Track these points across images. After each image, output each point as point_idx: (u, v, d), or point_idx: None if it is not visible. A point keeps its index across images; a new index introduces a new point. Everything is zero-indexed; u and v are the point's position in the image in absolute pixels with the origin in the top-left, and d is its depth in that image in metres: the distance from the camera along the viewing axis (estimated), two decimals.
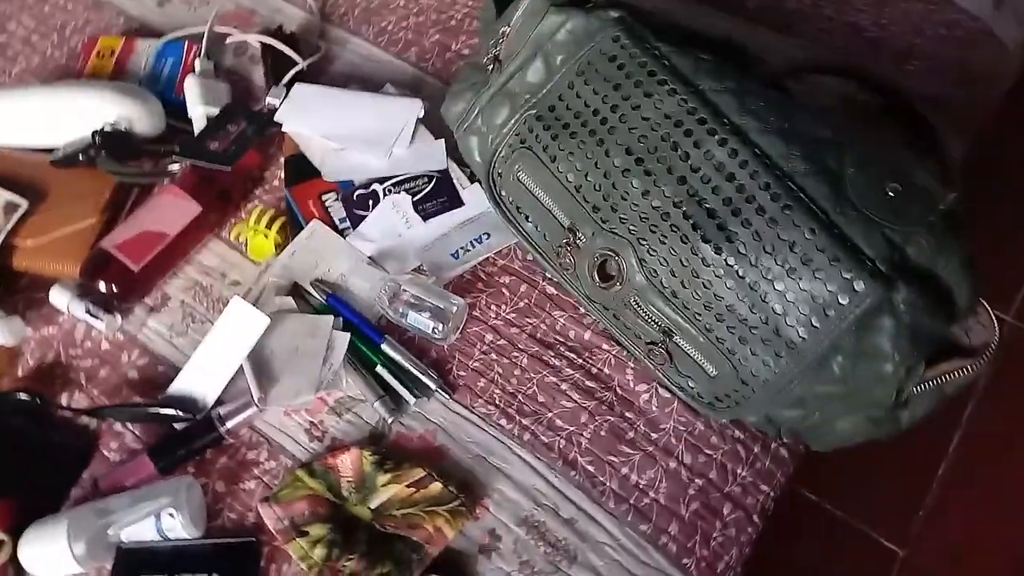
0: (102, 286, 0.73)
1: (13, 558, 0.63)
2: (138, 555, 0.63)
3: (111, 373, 0.74)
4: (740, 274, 0.62)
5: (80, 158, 0.79)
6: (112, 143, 0.79)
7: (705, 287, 0.63)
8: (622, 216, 0.66)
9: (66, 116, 0.81)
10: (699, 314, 0.64)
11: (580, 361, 0.74)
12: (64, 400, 0.72)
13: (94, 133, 0.79)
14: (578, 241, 0.69)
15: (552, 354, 0.74)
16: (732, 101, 0.64)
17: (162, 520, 0.63)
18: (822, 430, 0.70)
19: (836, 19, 0.95)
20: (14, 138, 0.82)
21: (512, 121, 0.73)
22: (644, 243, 0.65)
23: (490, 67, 0.76)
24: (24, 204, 0.77)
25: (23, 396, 0.70)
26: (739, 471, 0.70)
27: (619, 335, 0.72)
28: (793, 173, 0.61)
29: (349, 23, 0.95)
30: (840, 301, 0.60)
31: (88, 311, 0.73)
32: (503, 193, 0.75)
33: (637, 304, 0.67)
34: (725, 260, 0.62)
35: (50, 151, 0.82)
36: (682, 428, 0.71)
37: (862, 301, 0.59)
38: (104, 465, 0.69)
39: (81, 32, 0.96)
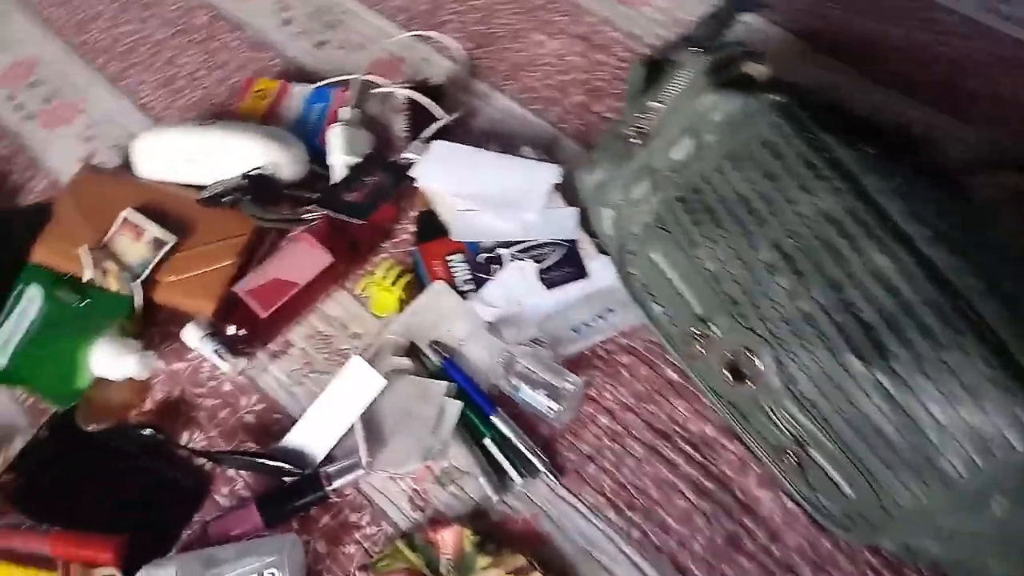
0: (230, 329, 0.75)
1: None
2: None
3: (230, 415, 0.75)
4: (892, 394, 0.56)
5: (226, 199, 0.82)
6: (258, 187, 0.82)
7: (849, 402, 0.57)
8: (763, 314, 0.61)
9: (220, 157, 0.84)
10: (839, 429, 0.59)
11: (699, 458, 0.69)
12: (184, 438, 0.74)
13: (244, 175, 0.82)
14: (710, 333, 0.65)
15: (669, 446, 0.70)
16: (900, 203, 0.58)
17: None
18: (970, 567, 0.62)
19: (1018, 101, 0.86)
20: (171, 173, 0.87)
21: (652, 198, 0.70)
22: (785, 346, 0.60)
23: (634, 139, 0.73)
24: (172, 240, 0.80)
25: (147, 431, 0.73)
26: None
27: (745, 435, 0.67)
28: (966, 291, 0.55)
29: (495, 78, 0.95)
30: (1009, 440, 0.53)
31: (216, 351, 0.76)
32: (633, 271, 0.72)
33: (770, 408, 0.62)
34: (876, 377, 0.56)
35: (199, 188, 0.85)
36: (807, 544, 0.65)
37: None
38: (214, 509, 0.70)
39: (242, 70, 1.01)
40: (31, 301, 0.82)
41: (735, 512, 0.67)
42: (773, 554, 0.65)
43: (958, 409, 0.54)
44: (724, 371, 0.64)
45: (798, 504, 0.66)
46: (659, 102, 0.71)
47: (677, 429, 0.71)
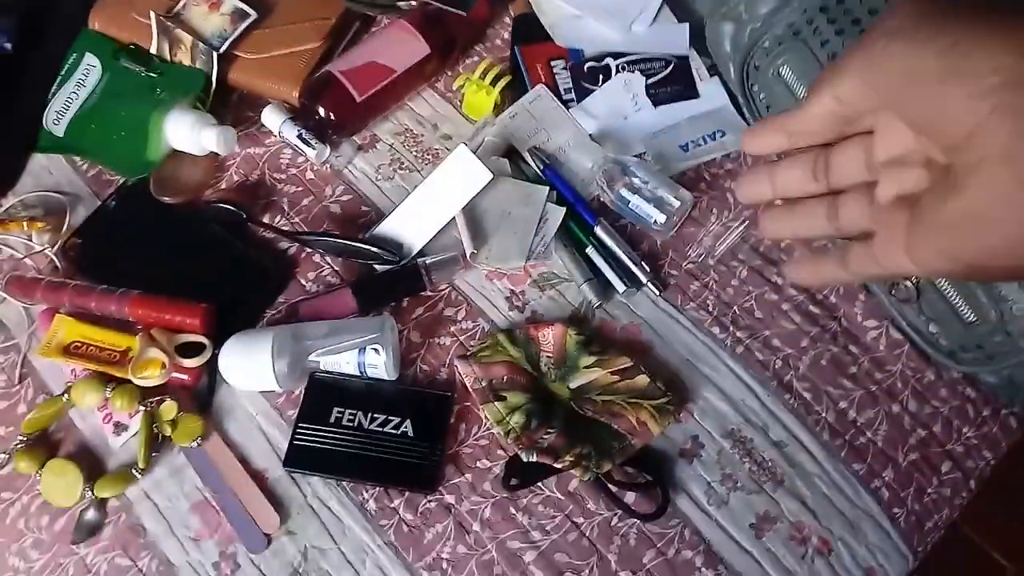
0: (321, 111, 0.70)
1: (209, 362, 0.62)
2: (331, 386, 0.61)
3: (313, 203, 0.71)
4: None
5: None
6: None
7: None
8: None
9: None
10: None
11: None
12: (265, 221, 0.70)
13: None
14: None
15: (775, 271, 0.68)
16: None
17: (366, 354, 0.60)
18: None
19: None
20: None
21: (785, 10, 0.66)
22: None
23: None
24: (253, 15, 0.74)
25: (229, 207, 0.68)
26: (965, 430, 0.64)
27: None
28: None
29: None
30: None
31: (300, 135, 0.71)
32: (755, 88, 0.69)
33: None
34: None
35: None
36: (910, 373, 0.65)
37: None
38: (299, 292, 0.67)
39: None
40: (89, 70, 0.75)
41: (840, 337, 0.66)
42: (877, 380, 0.64)
43: None
44: None
45: (904, 334, 0.65)
46: None
47: (783, 256, 0.69)
